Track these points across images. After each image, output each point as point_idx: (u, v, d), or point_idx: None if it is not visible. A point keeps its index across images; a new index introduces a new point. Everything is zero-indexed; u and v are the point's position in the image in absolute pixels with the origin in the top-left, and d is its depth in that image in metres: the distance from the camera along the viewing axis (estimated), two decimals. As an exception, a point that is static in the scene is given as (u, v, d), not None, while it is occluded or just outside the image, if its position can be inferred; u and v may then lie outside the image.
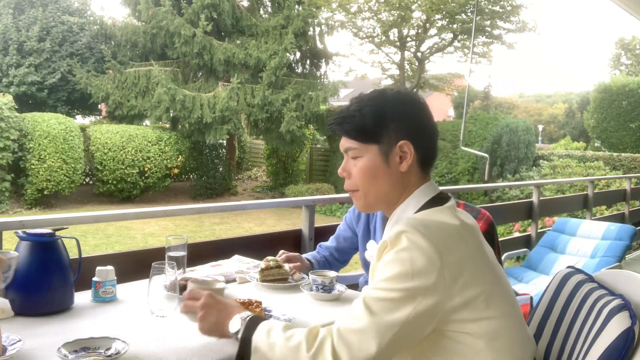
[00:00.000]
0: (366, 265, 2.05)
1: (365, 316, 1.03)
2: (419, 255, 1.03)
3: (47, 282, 1.49)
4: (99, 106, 17.90)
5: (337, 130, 1.25)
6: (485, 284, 1.09)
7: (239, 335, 1.16)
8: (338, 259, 2.23)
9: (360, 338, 1.02)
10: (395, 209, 1.23)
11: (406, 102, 1.23)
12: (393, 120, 1.19)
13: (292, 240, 2.81)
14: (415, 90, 16.14)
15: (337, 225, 2.32)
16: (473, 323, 1.07)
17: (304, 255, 2.12)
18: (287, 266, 1.90)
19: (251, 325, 1.16)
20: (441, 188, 1.30)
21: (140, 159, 12.46)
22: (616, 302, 1.14)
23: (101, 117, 18.43)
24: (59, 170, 11.25)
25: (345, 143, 1.25)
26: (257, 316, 1.20)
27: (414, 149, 1.19)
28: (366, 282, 2.02)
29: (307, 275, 1.88)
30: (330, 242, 2.25)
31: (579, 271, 1.37)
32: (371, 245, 1.30)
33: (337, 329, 1.05)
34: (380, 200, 1.24)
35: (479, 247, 1.14)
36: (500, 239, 3.24)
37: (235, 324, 1.19)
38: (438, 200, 1.21)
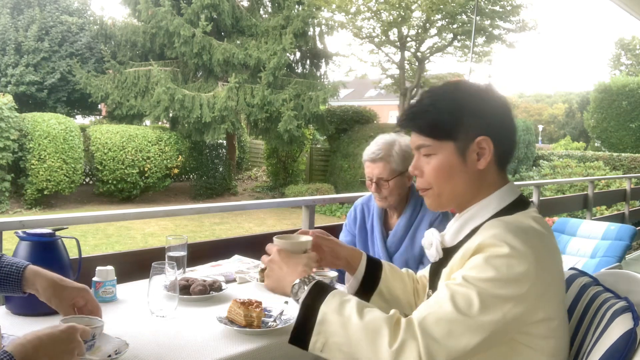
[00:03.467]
0: None
1: (455, 313, 0.97)
2: (518, 262, 0.98)
3: (47, 282, 1.49)
4: (99, 106, 17.91)
5: (409, 126, 1.17)
6: (560, 302, 1.07)
7: (300, 300, 1.09)
8: None
9: (449, 334, 0.96)
10: (469, 206, 1.16)
11: (483, 95, 1.15)
12: (470, 115, 1.11)
13: (292, 241, 2.81)
14: (415, 90, 16.12)
15: (338, 225, 2.31)
16: (543, 340, 1.04)
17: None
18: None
19: (318, 293, 1.07)
20: None
21: (140, 159, 12.46)
22: (620, 304, 1.13)
23: (101, 117, 18.44)
24: (59, 170, 11.25)
25: (417, 140, 1.16)
26: (322, 282, 1.11)
27: (493, 146, 1.11)
28: None
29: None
30: None
31: (583, 273, 1.37)
32: (430, 233, 1.25)
33: (420, 324, 0.98)
34: (454, 200, 1.17)
35: (561, 260, 1.10)
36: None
37: (296, 286, 1.12)
38: (520, 204, 1.14)
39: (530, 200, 1.19)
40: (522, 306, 0.99)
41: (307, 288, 1.09)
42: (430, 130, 1.14)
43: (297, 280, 1.12)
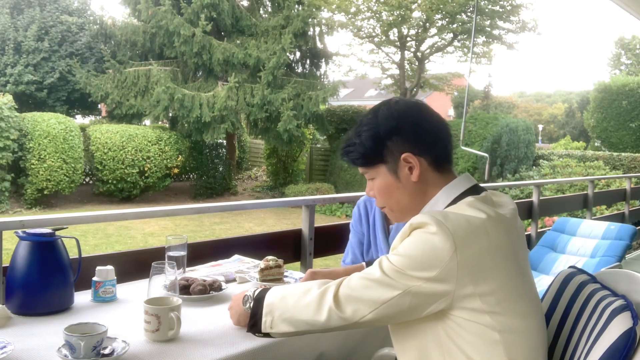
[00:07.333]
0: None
1: (376, 273, 1.11)
2: (432, 245, 1.06)
3: (47, 282, 1.49)
4: (99, 106, 17.90)
5: (345, 161, 1.31)
6: (503, 280, 1.09)
7: (252, 296, 1.29)
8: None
9: (366, 287, 1.11)
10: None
11: (398, 115, 1.23)
12: (389, 138, 1.22)
13: (292, 240, 2.81)
14: (415, 90, 16.12)
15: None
16: (486, 315, 1.07)
17: None
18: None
19: (265, 290, 1.28)
20: None
21: (140, 159, 12.45)
22: (618, 302, 1.13)
23: (101, 116, 18.44)
24: (59, 170, 11.25)
25: (359, 169, 1.30)
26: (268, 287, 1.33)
27: (418, 157, 1.20)
28: None
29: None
30: (349, 255, 2.12)
31: (581, 271, 1.37)
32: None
33: (347, 279, 1.16)
34: (406, 211, 1.26)
35: (504, 242, 1.13)
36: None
37: (245, 297, 1.34)
38: (471, 193, 1.20)
39: (483, 189, 1.26)
40: (439, 284, 1.06)
41: (255, 290, 1.30)
42: (361, 161, 1.27)
43: (245, 297, 1.35)
